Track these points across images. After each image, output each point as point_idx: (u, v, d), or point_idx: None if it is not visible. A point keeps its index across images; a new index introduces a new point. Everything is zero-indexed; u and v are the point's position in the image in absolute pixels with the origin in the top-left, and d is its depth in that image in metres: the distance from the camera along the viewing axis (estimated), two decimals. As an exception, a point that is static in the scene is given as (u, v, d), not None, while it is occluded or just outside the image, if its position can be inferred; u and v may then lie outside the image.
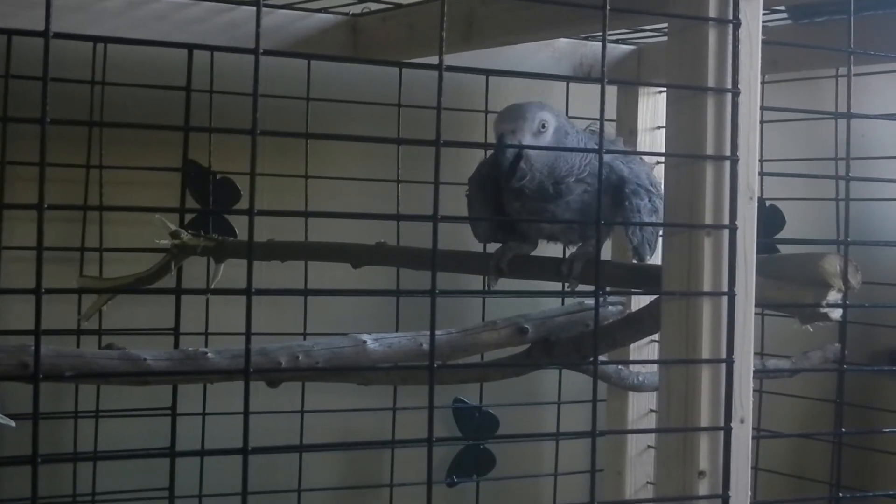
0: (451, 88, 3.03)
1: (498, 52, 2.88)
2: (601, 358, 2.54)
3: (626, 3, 1.69)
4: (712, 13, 1.65)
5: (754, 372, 1.71)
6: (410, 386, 2.76)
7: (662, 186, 1.80)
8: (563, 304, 2.52)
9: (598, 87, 1.45)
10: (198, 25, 2.61)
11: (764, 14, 2.63)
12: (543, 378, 3.28)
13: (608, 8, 1.57)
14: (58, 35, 1.30)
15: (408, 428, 3.10)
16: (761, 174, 1.77)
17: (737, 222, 1.66)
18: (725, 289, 1.66)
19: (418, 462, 3.21)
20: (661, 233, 2.09)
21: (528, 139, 2.10)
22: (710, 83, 1.66)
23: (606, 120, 1.63)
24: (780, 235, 3.23)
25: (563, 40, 3.01)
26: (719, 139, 1.67)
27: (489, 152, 2.39)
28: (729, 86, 1.66)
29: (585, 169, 2.15)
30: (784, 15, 2.71)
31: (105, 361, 2.14)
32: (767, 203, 3.24)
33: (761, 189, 3.20)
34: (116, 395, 2.81)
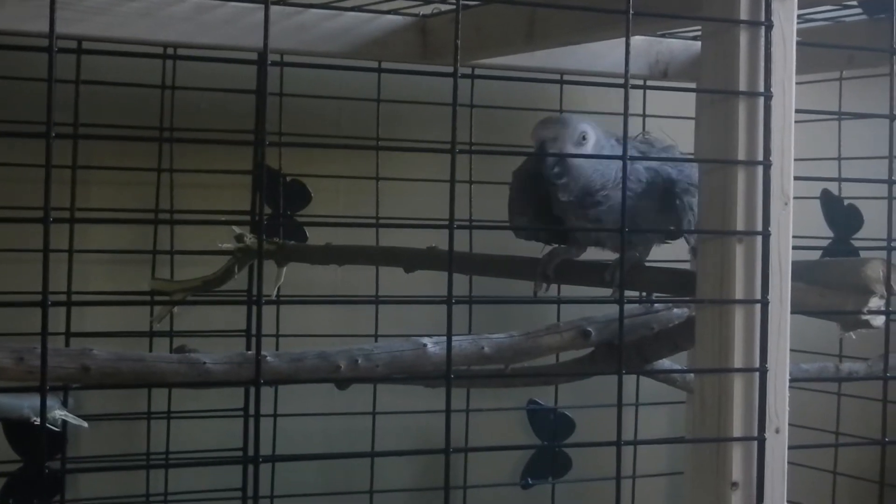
0: (520, 87, 3.02)
1: (571, 50, 2.84)
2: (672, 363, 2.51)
3: (658, 6, 1.66)
4: (743, 15, 1.61)
5: (795, 378, 1.68)
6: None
7: None
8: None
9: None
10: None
11: (834, 10, 2.61)
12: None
13: (631, 12, 1.55)
14: (62, 50, 1.32)
15: (482, 428, 3.10)
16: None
17: (770, 228, 1.63)
18: (759, 296, 1.63)
19: (493, 462, 3.21)
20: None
21: (569, 149, 2.07)
22: (742, 87, 1.62)
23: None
24: (858, 235, 3.14)
25: (638, 37, 2.94)
26: (751, 144, 1.63)
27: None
28: (761, 89, 1.62)
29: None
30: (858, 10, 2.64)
31: (164, 365, 2.16)
32: (846, 202, 3.16)
33: (839, 188, 3.17)
34: (190, 395, 2.85)
